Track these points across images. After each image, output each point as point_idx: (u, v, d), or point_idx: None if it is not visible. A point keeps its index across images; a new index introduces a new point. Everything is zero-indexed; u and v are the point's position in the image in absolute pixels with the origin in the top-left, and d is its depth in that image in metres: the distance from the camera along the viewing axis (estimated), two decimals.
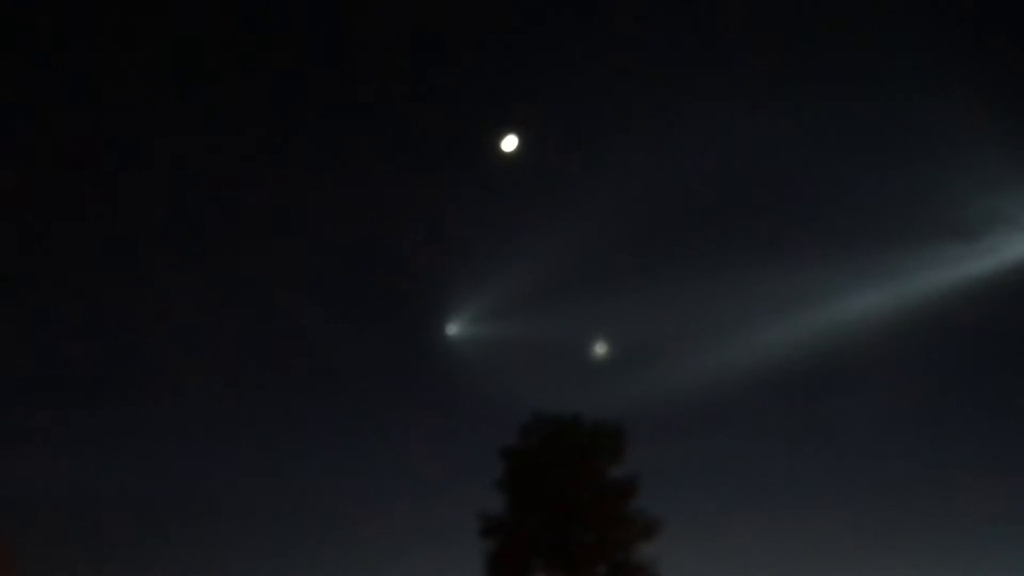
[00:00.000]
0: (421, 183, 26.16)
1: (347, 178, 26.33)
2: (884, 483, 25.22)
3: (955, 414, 25.84)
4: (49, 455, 24.88)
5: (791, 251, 25.51)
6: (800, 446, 25.85)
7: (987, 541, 24.08)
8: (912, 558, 23.86)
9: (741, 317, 25.69)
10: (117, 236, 26.24)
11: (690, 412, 25.12)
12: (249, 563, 25.03)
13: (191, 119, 25.20)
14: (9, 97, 23.92)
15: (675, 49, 24.62)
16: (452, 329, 26.02)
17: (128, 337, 26.65)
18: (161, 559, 24.68)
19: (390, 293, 27.37)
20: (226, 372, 26.85)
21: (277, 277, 26.88)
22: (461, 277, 26.24)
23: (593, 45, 24.74)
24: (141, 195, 26.00)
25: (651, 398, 24.43)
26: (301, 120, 25.95)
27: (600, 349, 25.73)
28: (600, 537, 21.57)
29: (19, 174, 24.47)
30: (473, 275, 26.07)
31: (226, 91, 25.21)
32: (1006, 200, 23.81)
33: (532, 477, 21.87)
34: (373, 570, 24.78)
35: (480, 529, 21.76)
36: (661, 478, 22.80)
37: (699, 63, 24.64)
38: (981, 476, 24.49)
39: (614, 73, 24.85)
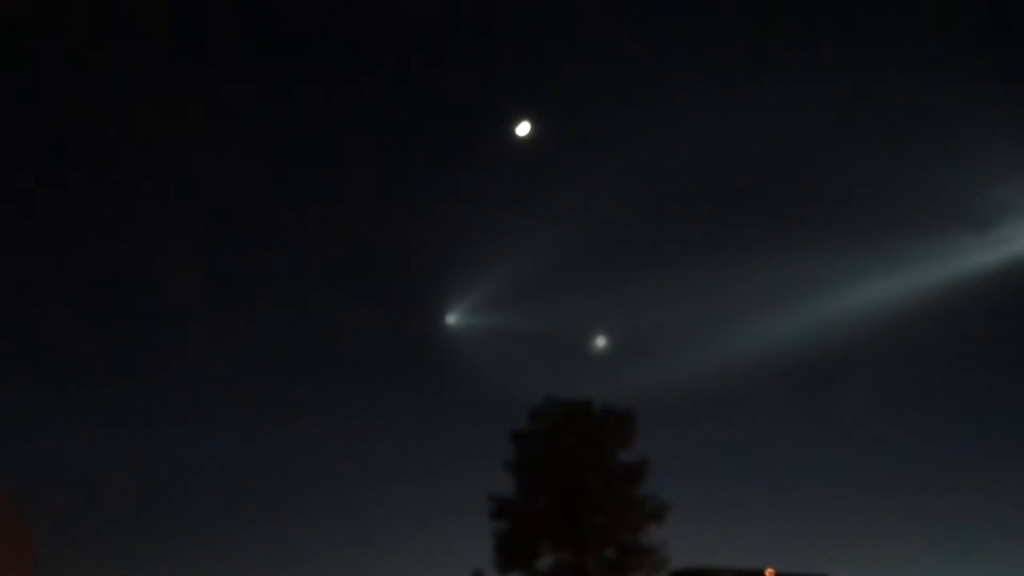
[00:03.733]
0: (429, 173, 26.28)
1: (353, 166, 26.48)
2: (890, 468, 25.43)
3: (963, 402, 25.99)
4: (65, 436, 25.14)
5: (800, 240, 25.48)
6: (808, 432, 26.01)
7: (994, 523, 24.24)
8: (917, 541, 23.99)
9: (750, 305, 25.76)
10: (125, 227, 26.37)
11: (697, 399, 25.08)
12: (260, 540, 25.26)
13: (195, 109, 25.30)
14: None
15: (682, 38, 24.67)
16: (451, 319, 26.08)
17: (137, 322, 26.82)
18: (169, 534, 24.91)
19: (392, 281, 27.56)
20: (236, 356, 26.95)
21: (283, 265, 27.03)
22: (461, 266, 26.31)
23: (602, 36, 24.75)
24: (149, 186, 26.08)
25: (656, 385, 24.39)
26: (306, 108, 26.02)
27: (600, 342, 25.77)
28: (609, 520, 21.75)
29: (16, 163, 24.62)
30: (473, 264, 26.14)
31: (230, 77, 25.34)
32: (1017, 190, 23.89)
33: (542, 460, 22.04)
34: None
35: (490, 511, 21.95)
36: (669, 462, 22.96)
37: (707, 53, 24.67)
38: (989, 461, 24.68)
39: (618, 64, 24.88)
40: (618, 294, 26.18)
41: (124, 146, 25.63)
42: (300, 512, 25.71)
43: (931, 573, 22.86)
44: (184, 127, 25.15)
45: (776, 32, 24.35)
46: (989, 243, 24.24)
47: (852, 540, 23.52)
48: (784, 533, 23.44)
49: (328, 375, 27.34)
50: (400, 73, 25.81)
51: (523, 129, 23.69)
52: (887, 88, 24.52)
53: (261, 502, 26.03)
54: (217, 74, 25.19)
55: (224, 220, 26.84)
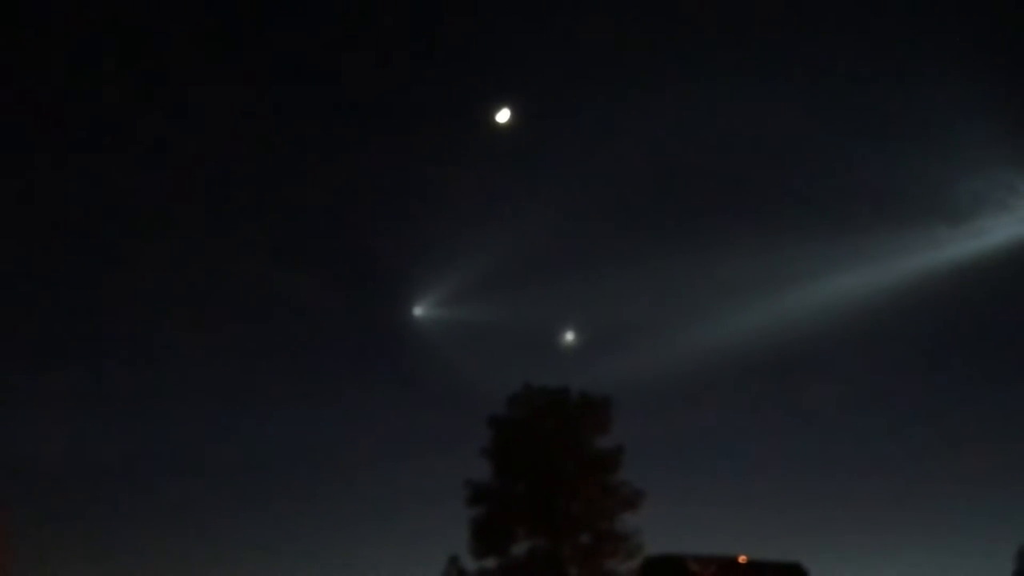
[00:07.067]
0: (403, 163, 26.25)
1: (328, 159, 26.43)
2: (862, 457, 25.81)
3: (936, 393, 26.31)
4: (38, 422, 24.95)
5: (774, 232, 25.64)
6: (781, 421, 26.34)
7: (964, 511, 24.61)
8: (888, 529, 24.34)
9: (724, 296, 25.89)
10: (100, 212, 26.20)
11: (671, 388, 25.28)
12: (233, 529, 25.27)
13: (178, 96, 25.26)
14: None
15: (661, 30, 24.62)
16: (418, 310, 26.11)
17: (110, 308, 26.68)
18: (141, 523, 24.85)
19: (364, 270, 27.62)
20: (207, 345, 26.86)
21: (261, 253, 26.97)
22: (430, 258, 26.31)
23: (581, 26, 24.68)
24: (133, 173, 25.93)
25: (630, 375, 24.46)
26: (281, 98, 25.96)
27: (570, 336, 25.89)
28: (584, 506, 21.91)
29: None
30: (443, 256, 26.07)
31: (210, 67, 25.21)
32: (993, 183, 24.10)
33: (519, 446, 22.13)
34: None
35: (467, 497, 22.05)
36: (644, 450, 23.13)
37: (685, 45, 24.69)
38: (960, 451, 25.07)
39: (595, 56, 24.84)
40: (593, 284, 26.31)
41: (109, 136, 25.64)
42: (275, 500, 25.83)
43: (902, 561, 23.11)
44: (165, 121, 25.28)
45: (753, 25, 24.46)
46: (963, 236, 24.50)
47: (824, 528, 23.84)
48: (757, 521, 23.69)
49: (300, 365, 27.47)
50: (377, 60, 25.79)
51: (503, 116, 23.71)
52: (862, 82, 24.72)
53: (234, 491, 26.14)
54: (192, 71, 25.14)
55: (198, 209, 26.73)
